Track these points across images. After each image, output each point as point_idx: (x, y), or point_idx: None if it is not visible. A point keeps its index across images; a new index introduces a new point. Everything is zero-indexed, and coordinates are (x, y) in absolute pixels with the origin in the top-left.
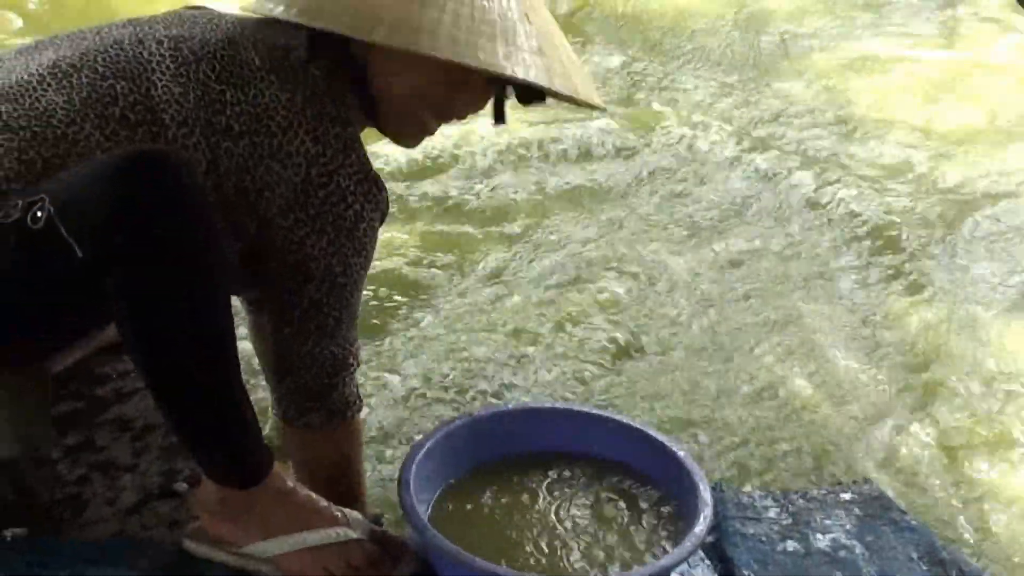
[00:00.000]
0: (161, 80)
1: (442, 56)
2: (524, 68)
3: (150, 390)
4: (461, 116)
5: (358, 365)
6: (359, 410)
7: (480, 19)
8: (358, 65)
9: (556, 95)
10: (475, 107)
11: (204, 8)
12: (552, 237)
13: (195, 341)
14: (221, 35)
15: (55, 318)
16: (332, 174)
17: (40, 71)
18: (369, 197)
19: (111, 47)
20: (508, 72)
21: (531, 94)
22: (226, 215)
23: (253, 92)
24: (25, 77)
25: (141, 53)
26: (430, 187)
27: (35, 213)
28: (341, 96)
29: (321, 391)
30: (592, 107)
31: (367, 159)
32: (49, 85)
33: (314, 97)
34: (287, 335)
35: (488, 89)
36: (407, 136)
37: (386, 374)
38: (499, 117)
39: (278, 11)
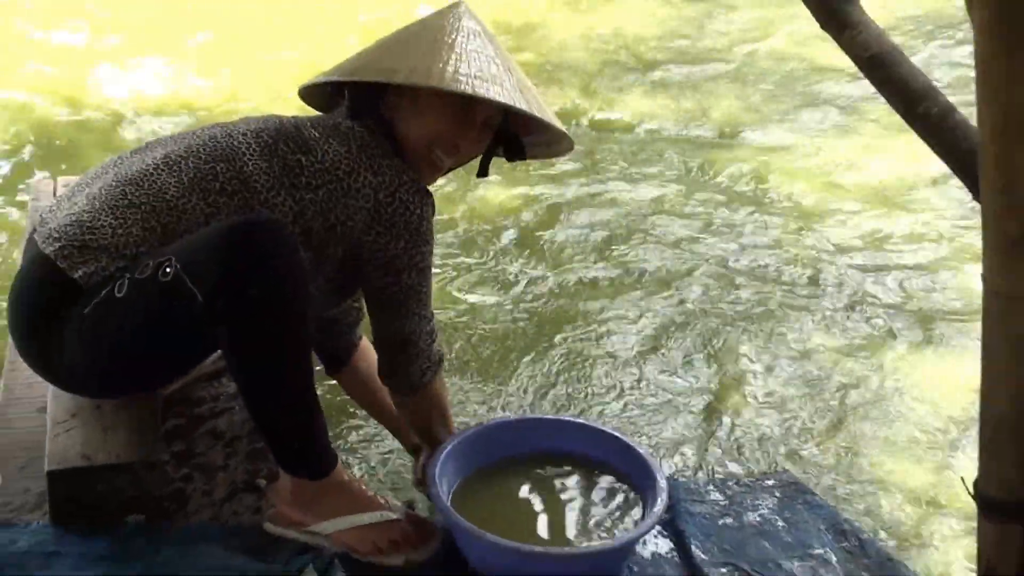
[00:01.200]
0: (251, 160)
1: (448, 89)
2: (511, 100)
3: (245, 404)
4: (465, 152)
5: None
6: (443, 359)
7: (475, 68)
8: (386, 121)
9: (532, 142)
10: (476, 147)
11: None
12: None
13: (280, 371)
14: (287, 123)
15: (179, 351)
16: (394, 193)
17: (155, 161)
18: (425, 201)
19: (208, 141)
20: (499, 100)
21: (514, 152)
22: (318, 250)
23: (320, 154)
24: (143, 167)
25: (231, 143)
26: None
27: (164, 269)
28: (382, 143)
29: (420, 354)
30: (559, 152)
31: (414, 176)
32: (162, 171)
33: (364, 145)
34: (388, 316)
35: (484, 133)
36: (424, 172)
37: None
38: (483, 171)
39: (324, 78)
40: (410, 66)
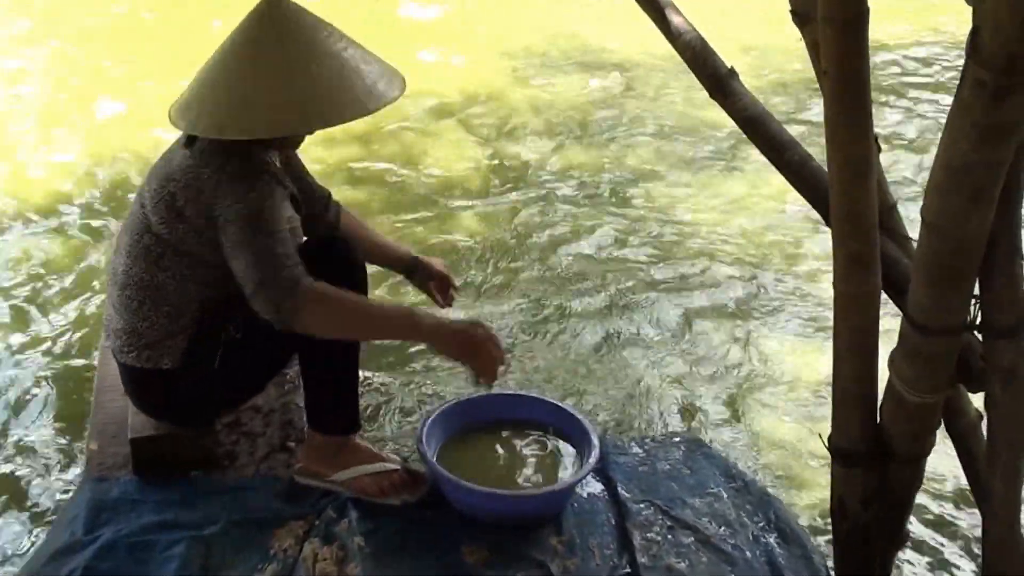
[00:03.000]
0: (152, 216)
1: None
2: (341, 118)
3: (305, 384)
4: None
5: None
6: (309, 286)
7: (325, 99)
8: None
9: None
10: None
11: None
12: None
13: (339, 363)
14: (163, 164)
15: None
16: (225, 170)
17: (124, 261)
18: (253, 185)
19: (131, 217)
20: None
21: None
22: (199, 237)
23: (184, 181)
24: (122, 268)
25: (143, 212)
26: None
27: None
28: (217, 148)
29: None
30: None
31: (251, 167)
32: (131, 265)
33: (216, 159)
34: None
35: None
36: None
37: None
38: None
39: (183, 124)
40: (272, 120)
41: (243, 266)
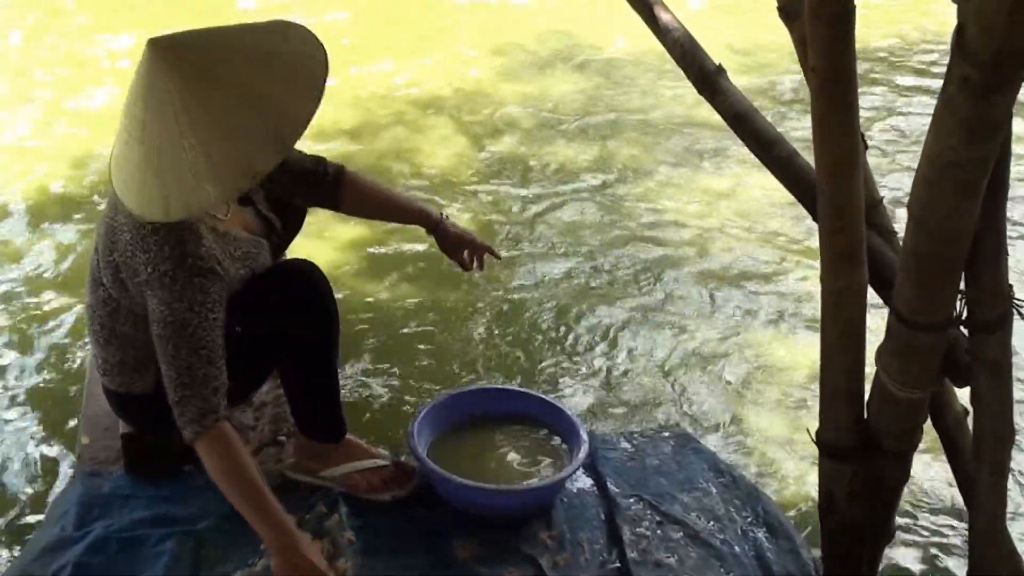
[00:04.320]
0: (102, 270)
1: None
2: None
3: (289, 398)
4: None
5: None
6: (213, 425)
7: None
8: None
9: None
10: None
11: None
12: None
13: (320, 375)
14: (110, 215)
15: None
16: (157, 266)
17: (89, 301)
18: (180, 267)
19: (92, 254)
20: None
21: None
22: (146, 308)
23: (124, 257)
24: (89, 308)
25: (94, 252)
26: None
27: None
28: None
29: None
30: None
31: (183, 265)
32: (96, 310)
33: (150, 242)
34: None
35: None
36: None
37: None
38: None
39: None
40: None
41: (166, 372)
